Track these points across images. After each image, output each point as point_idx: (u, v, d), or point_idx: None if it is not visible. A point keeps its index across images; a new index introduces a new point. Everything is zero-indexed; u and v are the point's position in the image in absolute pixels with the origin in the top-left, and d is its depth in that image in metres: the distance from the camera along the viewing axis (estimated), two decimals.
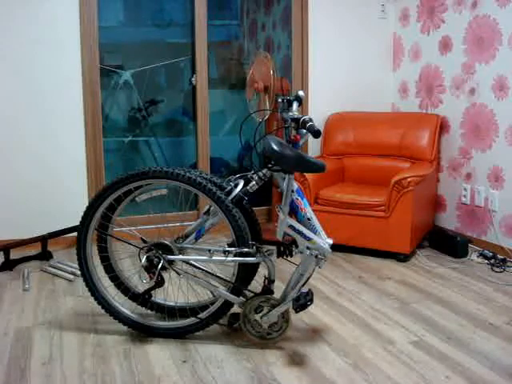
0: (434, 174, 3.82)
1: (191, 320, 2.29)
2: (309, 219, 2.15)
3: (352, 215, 3.43)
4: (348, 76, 4.20)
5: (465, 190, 3.66)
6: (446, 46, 3.77)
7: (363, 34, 4.22)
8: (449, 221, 3.82)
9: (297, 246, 2.16)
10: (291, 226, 2.13)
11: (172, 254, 2.23)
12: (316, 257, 2.12)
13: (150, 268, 2.22)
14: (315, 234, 2.14)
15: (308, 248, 2.12)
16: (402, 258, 3.35)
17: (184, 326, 2.30)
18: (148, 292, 2.26)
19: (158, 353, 2.19)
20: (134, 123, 4.52)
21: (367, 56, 4.25)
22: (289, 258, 2.18)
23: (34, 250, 3.37)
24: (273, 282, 2.24)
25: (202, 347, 2.24)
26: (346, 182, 3.91)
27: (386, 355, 2.18)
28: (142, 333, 2.33)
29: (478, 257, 3.38)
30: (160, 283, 2.22)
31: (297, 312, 2.14)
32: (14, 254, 3.26)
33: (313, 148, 4.16)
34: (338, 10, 4.11)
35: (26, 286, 2.92)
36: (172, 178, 2.17)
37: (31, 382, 1.98)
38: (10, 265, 3.20)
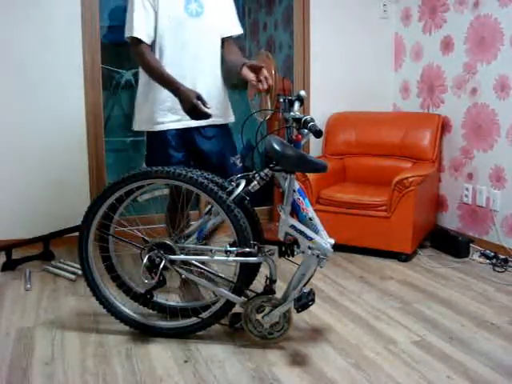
0: (436, 174, 3.82)
1: (193, 320, 2.29)
2: (310, 219, 2.15)
3: (353, 215, 3.43)
4: (349, 76, 4.20)
5: (466, 189, 3.66)
6: (447, 45, 3.77)
7: (365, 34, 4.21)
8: (450, 221, 3.82)
9: (298, 246, 2.15)
10: (293, 226, 2.13)
11: (174, 253, 2.24)
12: (317, 257, 2.11)
13: (151, 268, 2.22)
14: (317, 233, 2.14)
15: (310, 248, 2.12)
16: (403, 257, 3.35)
17: (186, 325, 2.30)
18: (150, 292, 2.26)
19: (160, 353, 2.20)
20: None
21: (369, 56, 4.25)
22: (290, 258, 2.18)
23: (36, 249, 3.37)
24: (274, 281, 2.24)
25: (204, 347, 2.24)
26: (348, 182, 3.91)
27: (387, 355, 2.18)
28: (143, 332, 2.33)
29: (479, 257, 3.37)
30: (161, 283, 2.22)
31: (298, 312, 2.14)
32: (16, 254, 3.26)
33: (314, 148, 4.16)
34: (339, 9, 4.10)
35: (28, 285, 2.92)
36: (174, 178, 2.17)
37: (33, 381, 1.98)
38: (11, 265, 3.20)
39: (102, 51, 3.57)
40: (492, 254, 3.34)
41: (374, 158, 3.90)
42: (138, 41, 2.34)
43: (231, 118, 2.62)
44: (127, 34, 2.36)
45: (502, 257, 3.30)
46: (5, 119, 3.43)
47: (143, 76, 2.48)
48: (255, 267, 2.28)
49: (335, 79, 4.16)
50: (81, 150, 3.61)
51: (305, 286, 2.17)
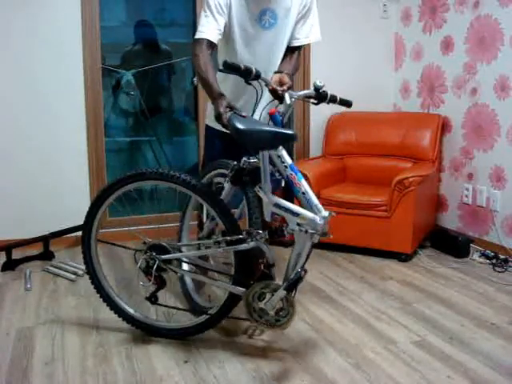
0: (436, 174, 3.82)
1: (200, 319, 2.25)
2: (303, 193, 2.03)
3: (353, 215, 3.43)
4: (350, 76, 4.19)
5: (466, 189, 3.66)
6: (447, 45, 3.77)
7: (365, 34, 4.21)
8: (450, 221, 3.82)
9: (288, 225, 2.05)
10: (277, 205, 2.03)
11: (168, 253, 2.19)
12: (306, 232, 1.98)
13: (147, 270, 2.20)
14: (311, 207, 2.02)
15: (298, 224, 2.01)
16: (403, 257, 3.35)
17: (187, 326, 2.28)
18: (153, 295, 2.25)
19: (160, 353, 2.19)
20: (136, 123, 4.53)
21: (369, 56, 4.25)
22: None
23: (36, 249, 3.37)
24: (272, 266, 2.14)
25: (204, 347, 2.24)
26: (348, 182, 3.91)
27: (387, 355, 2.18)
28: (148, 334, 2.32)
29: (479, 257, 3.37)
30: (162, 284, 2.21)
31: (289, 292, 2.03)
32: (16, 254, 3.26)
33: (314, 148, 4.16)
34: (339, 9, 4.09)
35: (28, 285, 2.92)
36: (167, 180, 2.16)
37: (33, 381, 1.98)
38: (11, 265, 3.20)
39: (102, 51, 3.58)
40: (492, 254, 3.34)
41: (373, 158, 3.90)
42: (200, 42, 2.30)
43: None
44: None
45: (502, 257, 3.30)
46: (5, 119, 3.43)
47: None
48: (255, 254, 2.17)
49: (335, 79, 4.13)
50: (81, 150, 3.61)
51: (304, 265, 2.06)
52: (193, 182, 2.14)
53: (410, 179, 3.26)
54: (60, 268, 3.16)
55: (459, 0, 3.63)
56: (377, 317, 2.55)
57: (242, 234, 2.09)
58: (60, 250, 3.49)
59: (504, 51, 3.32)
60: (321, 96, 2.31)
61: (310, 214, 1.99)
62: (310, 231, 1.98)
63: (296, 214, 2.00)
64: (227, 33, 2.42)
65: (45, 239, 3.39)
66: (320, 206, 2.02)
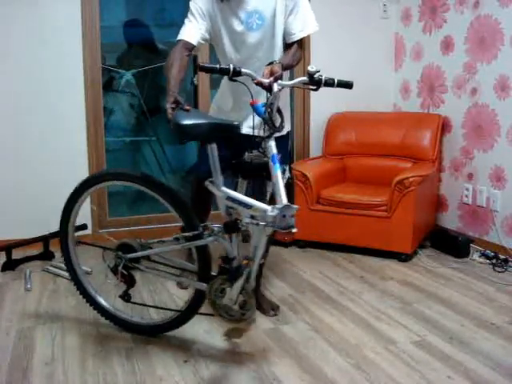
0: (436, 174, 3.81)
1: (172, 315, 2.26)
2: (274, 183, 1.95)
3: (353, 215, 3.42)
4: (350, 76, 4.13)
5: (466, 189, 3.66)
6: (447, 45, 3.77)
7: (365, 34, 4.21)
8: (450, 221, 3.82)
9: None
10: (229, 198, 2.00)
11: (135, 252, 2.20)
12: (257, 224, 1.90)
13: (116, 269, 2.21)
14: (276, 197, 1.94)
15: (252, 217, 1.93)
16: (403, 257, 3.35)
17: (164, 322, 2.28)
18: (126, 293, 2.26)
19: (160, 352, 2.19)
20: (136, 123, 4.53)
21: (369, 56, 4.25)
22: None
23: (36, 249, 3.37)
24: (232, 259, 2.07)
25: (204, 347, 2.24)
26: (348, 182, 3.91)
27: (387, 355, 2.18)
28: (117, 326, 2.35)
29: (479, 257, 3.37)
30: (132, 282, 2.23)
31: (232, 284, 2.00)
32: (16, 254, 3.26)
33: (314, 148, 4.16)
34: (339, 9, 4.09)
35: (28, 285, 2.92)
36: (119, 179, 2.19)
37: (33, 381, 1.98)
38: (12, 265, 3.20)
39: (102, 51, 3.58)
40: (492, 254, 3.34)
41: (374, 158, 3.90)
42: (177, 43, 2.35)
43: (286, 127, 2.42)
44: None
45: (502, 257, 3.30)
46: (6, 118, 3.43)
47: (222, 85, 2.64)
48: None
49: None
50: (81, 150, 3.61)
51: (263, 258, 2.02)
52: (143, 177, 2.13)
53: (410, 179, 3.26)
54: (60, 268, 3.16)
55: (459, 0, 3.63)
56: (377, 317, 2.55)
57: (198, 230, 2.06)
58: (60, 249, 3.48)
59: (504, 51, 3.31)
60: (316, 81, 2.16)
61: (262, 206, 1.91)
62: (261, 223, 1.88)
63: (248, 207, 1.94)
64: (216, 37, 2.45)
65: (45, 239, 3.39)
66: (284, 197, 1.87)
